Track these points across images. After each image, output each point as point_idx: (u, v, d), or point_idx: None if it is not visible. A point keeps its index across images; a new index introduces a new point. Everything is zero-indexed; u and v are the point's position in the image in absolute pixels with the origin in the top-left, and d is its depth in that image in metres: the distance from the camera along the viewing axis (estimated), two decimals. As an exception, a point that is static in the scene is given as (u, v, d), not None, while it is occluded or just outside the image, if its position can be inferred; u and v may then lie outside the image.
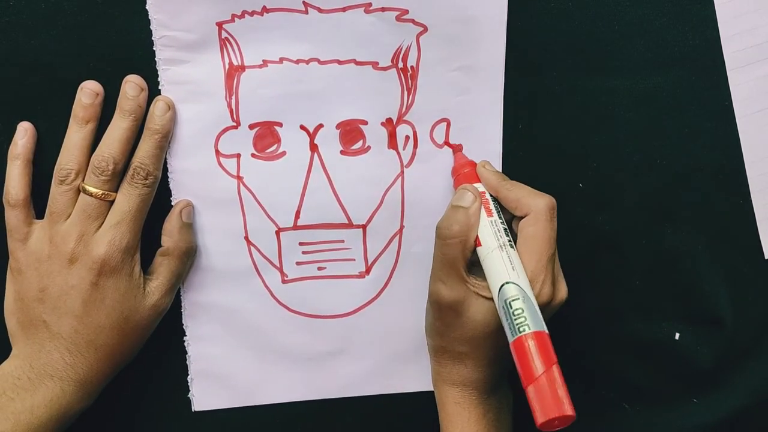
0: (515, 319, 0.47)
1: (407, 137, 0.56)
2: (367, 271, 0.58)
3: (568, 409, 0.44)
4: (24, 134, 0.52)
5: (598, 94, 0.56)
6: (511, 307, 0.47)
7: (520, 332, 0.46)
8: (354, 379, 0.60)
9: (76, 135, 0.51)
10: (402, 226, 0.57)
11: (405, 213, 0.57)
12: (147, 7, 0.51)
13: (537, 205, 0.51)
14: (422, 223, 0.57)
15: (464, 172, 0.54)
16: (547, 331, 0.47)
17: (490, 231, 0.51)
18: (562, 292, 0.51)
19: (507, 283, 0.48)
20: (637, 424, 0.63)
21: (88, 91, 0.52)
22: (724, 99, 0.57)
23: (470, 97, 0.55)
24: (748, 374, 0.62)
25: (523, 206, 0.51)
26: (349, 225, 0.56)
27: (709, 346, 0.61)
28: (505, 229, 0.51)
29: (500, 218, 0.52)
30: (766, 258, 0.60)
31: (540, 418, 0.44)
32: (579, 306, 0.57)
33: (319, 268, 0.57)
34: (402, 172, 0.56)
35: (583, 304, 0.59)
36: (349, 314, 0.58)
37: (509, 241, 0.51)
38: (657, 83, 0.56)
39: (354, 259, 0.57)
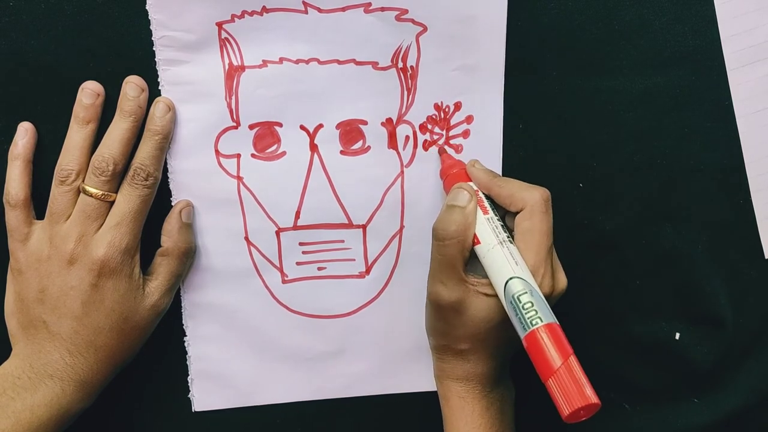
0: (526, 313, 0.46)
1: (407, 137, 0.56)
2: (367, 271, 0.58)
3: (593, 397, 0.44)
4: (24, 134, 0.52)
5: (598, 94, 0.56)
6: (520, 302, 0.47)
7: (532, 326, 0.46)
8: (354, 379, 0.60)
9: (76, 135, 0.51)
10: (402, 226, 0.57)
11: (405, 213, 0.57)
12: (147, 7, 0.51)
13: (532, 198, 0.51)
14: (422, 223, 0.57)
15: (453, 173, 0.54)
16: (558, 323, 0.46)
17: (487, 228, 0.50)
18: (562, 282, 0.51)
19: (512, 278, 0.48)
20: (637, 424, 0.63)
21: (89, 92, 0.52)
22: (724, 99, 0.57)
23: (470, 97, 0.55)
24: (748, 374, 0.62)
25: (518, 201, 0.51)
26: (349, 225, 0.56)
27: (709, 346, 0.61)
28: (502, 225, 0.51)
29: (496, 215, 0.52)
30: (766, 258, 0.60)
31: (566, 410, 0.44)
32: (579, 306, 0.57)
33: (319, 268, 0.57)
34: (402, 172, 0.56)
35: (583, 304, 0.59)
36: (349, 314, 0.58)
37: (508, 237, 0.50)
38: (657, 83, 0.56)
39: (354, 259, 0.57)
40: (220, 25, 0.52)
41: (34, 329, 0.51)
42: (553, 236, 0.51)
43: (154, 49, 0.52)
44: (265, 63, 0.53)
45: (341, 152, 0.55)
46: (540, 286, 0.49)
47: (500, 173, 0.57)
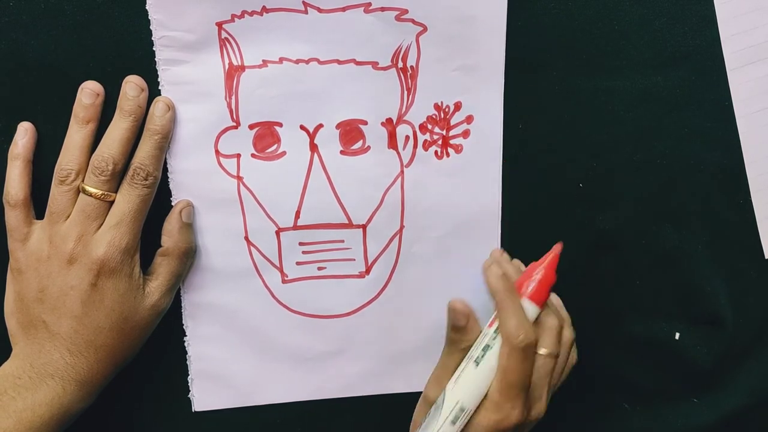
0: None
1: (407, 137, 0.56)
2: (367, 271, 0.58)
3: None
4: (24, 134, 0.52)
5: (598, 93, 0.56)
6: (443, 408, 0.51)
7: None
8: (354, 379, 0.60)
9: (76, 135, 0.51)
10: (402, 226, 0.57)
11: (405, 213, 0.57)
12: (147, 7, 0.51)
13: (506, 334, 0.51)
14: (422, 223, 0.57)
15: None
16: None
17: (478, 340, 0.52)
18: (536, 410, 0.52)
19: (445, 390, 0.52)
20: (637, 424, 0.63)
21: (89, 92, 0.52)
22: (724, 99, 0.57)
23: (470, 97, 0.55)
24: (748, 374, 0.62)
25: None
26: (349, 225, 0.56)
27: (709, 346, 0.61)
28: (487, 345, 0.51)
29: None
30: (766, 258, 0.60)
31: None
32: (579, 306, 0.57)
33: (319, 268, 0.57)
34: (402, 172, 0.56)
35: (583, 304, 0.59)
36: (349, 314, 0.58)
37: (480, 356, 0.51)
38: (657, 83, 0.56)
39: (354, 259, 0.57)
40: (220, 25, 0.52)
41: (34, 329, 0.51)
42: (532, 376, 0.51)
43: (154, 49, 0.52)
44: (265, 63, 0.53)
45: (341, 152, 0.55)
46: (506, 417, 0.50)
47: (500, 173, 0.57)
